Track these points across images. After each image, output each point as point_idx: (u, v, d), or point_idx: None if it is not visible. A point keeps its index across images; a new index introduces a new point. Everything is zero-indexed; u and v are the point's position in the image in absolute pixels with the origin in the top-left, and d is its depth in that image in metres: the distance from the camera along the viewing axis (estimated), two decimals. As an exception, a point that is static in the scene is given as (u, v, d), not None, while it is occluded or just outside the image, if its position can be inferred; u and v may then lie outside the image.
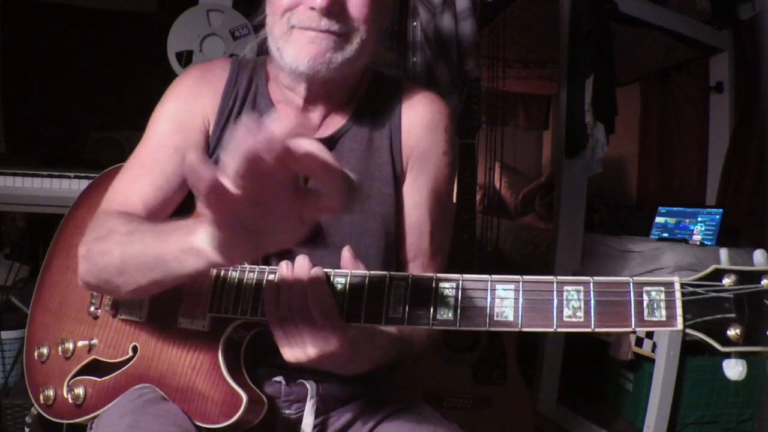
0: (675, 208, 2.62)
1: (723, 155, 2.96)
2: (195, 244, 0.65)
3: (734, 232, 2.51)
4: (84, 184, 1.68)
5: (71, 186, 1.72)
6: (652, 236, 2.60)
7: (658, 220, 2.64)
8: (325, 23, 0.82)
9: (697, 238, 2.45)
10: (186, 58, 1.81)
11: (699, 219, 2.49)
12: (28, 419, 1.00)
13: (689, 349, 2.06)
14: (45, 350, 0.94)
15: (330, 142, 0.94)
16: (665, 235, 2.57)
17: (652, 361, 2.10)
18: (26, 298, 1.83)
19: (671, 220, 2.60)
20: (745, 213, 2.72)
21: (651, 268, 2.24)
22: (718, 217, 2.44)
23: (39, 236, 2.08)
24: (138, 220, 0.84)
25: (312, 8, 0.81)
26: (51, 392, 0.91)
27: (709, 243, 2.39)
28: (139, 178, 0.91)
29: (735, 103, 2.96)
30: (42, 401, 0.92)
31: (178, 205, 0.94)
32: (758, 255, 0.64)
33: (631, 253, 2.35)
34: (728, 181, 2.91)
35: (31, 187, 1.72)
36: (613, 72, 2.44)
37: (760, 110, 2.76)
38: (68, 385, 0.90)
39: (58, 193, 1.72)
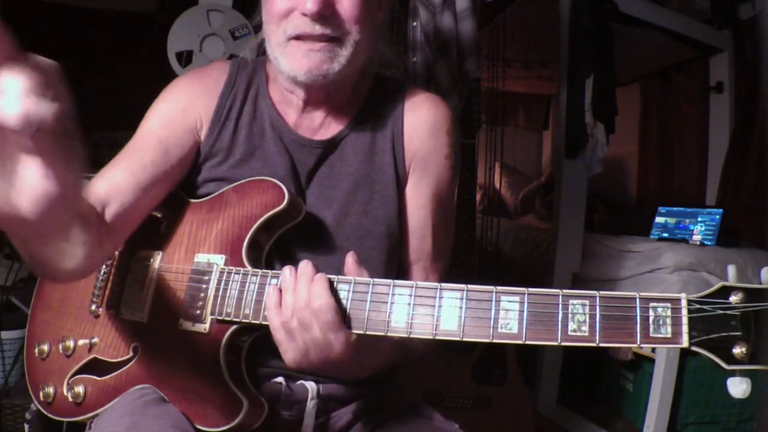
0: (675, 208, 2.62)
1: (723, 155, 2.96)
2: None
3: (734, 232, 2.51)
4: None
5: (71, 186, 1.72)
6: (652, 236, 2.60)
7: (658, 220, 2.64)
8: (318, 28, 0.82)
9: (697, 238, 2.45)
10: (186, 58, 1.81)
11: (699, 219, 2.49)
12: (27, 415, 1.00)
13: (688, 350, 2.06)
14: (46, 347, 0.94)
15: (331, 145, 0.94)
16: (665, 235, 2.57)
17: (652, 361, 2.10)
18: (26, 298, 1.82)
19: (671, 220, 2.60)
20: (745, 213, 2.72)
21: (651, 268, 2.24)
22: (718, 217, 2.44)
23: (39, 236, 2.07)
24: None
25: (305, 14, 0.81)
26: (51, 390, 0.91)
27: (709, 243, 2.39)
28: (116, 164, 0.90)
29: (735, 103, 2.96)
30: (42, 399, 0.92)
31: (157, 201, 0.92)
32: (766, 273, 0.63)
33: (631, 253, 2.35)
34: (728, 181, 2.91)
35: (31, 187, 1.71)
36: (613, 72, 2.44)
37: (760, 110, 2.76)
38: (68, 383, 0.90)
39: (58, 192, 1.71)
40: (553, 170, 3.30)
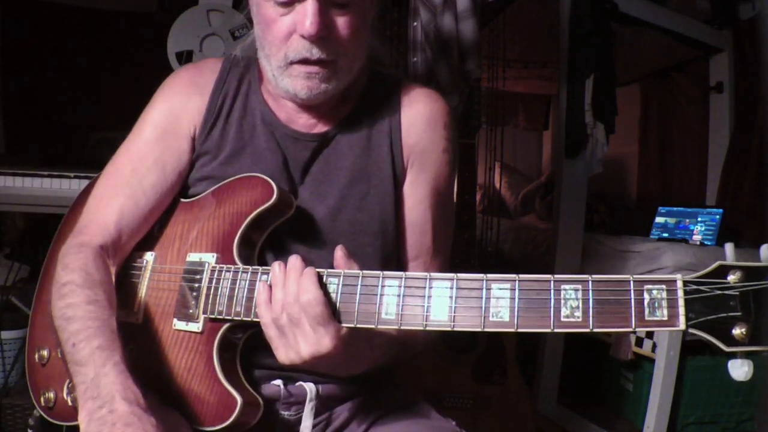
0: (675, 208, 2.62)
1: (723, 155, 2.96)
2: (81, 409, 0.70)
3: (734, 232, 2.51)
4: (84, 184, 1.68)
5: (71, 186, 1.72)
6: (652, 236, 2.60)
7: (658, 220, 2.64)
8: (316, 51, 0.83)
9: (697, 238, 2.45)
10: (186, 58, 1.80)
11: (699, 219, 2.49)
12: (30, 421, 1.00)
13: (689, 349, 2.06)
14: (45, 353, 0.94)
15: (326, 139, 0.94)
16: (665, 235, 2.57)
17: (652, 361, 2.10)
18: (26, 298, 1.83)
19: (671, 220, 2.60)
20: (745, 213, 2.72)
21: (651, 268, 2.23)
22: (718, 217, 2.44)
23: (39, 236, 2.08)
24: (97, 300, 0.81)
25: (303, 36, 0.82)
26: (51, 395, 0.91)
27: (709, 243, 2.38)
28: (118, 192, 0.91)
29: (735, 103, 2.96)
30: (43, 404, 0.92)
31: (157, 218, 0.94)
32: (765, 250, 0.61)
33: (631, 253, 2.35)
34: (728, 181, 2.91)
35: (31, 187, 1.72)
36: (613, 72, 2.44)
37: (760, 110, 2.76)
38: (68, 388, 0.89)
39: (58, 193, 1.71)
40: (553, 170, 3.30)
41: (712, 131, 3.09)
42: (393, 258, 0.97)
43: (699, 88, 3.16)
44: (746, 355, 0.61)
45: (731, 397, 2.18)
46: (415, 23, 1.87)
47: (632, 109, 3.71)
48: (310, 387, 0.89)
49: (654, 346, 2.07)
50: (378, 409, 0.95)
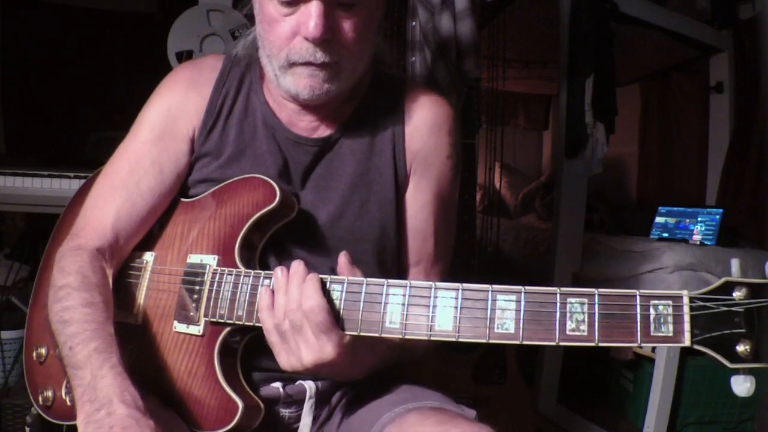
0: (675, 208, 2.62)
1: (723, 155, 2.96)
2: (79, 412, 0.69)
3: (734, 232, 2.51)
4: (84, 184, 1.68)
5: (71, 186, 1.72)
6: (652, 236, 2.60)
7: (658, 219, 2.64)
8: (320, 55, 0.82)
9: (697, 238, 2.45)
10: (186, 58, 1.80)
11: (699, 219, 2.49)
12: (28, 419, 0.99)
13: (689, 349, 2.06)
14: (43, 351, 0.93)
15: (328, 143, 0.93)
16: (665, 234, 2.57)
17: (652, 361, 2.10)
18: (26, 298, 1.82)
19: (671, 220, 2.59)
20: (745, 213, 2.72)
21: (651, 268, 2.23)
22: (718, 217, 2.44)
23: (39, 236, 2.08)
24: (94, 303, 0.80)
25: (307, 38, 0.80)
26: (50, 393, 0.90)
27: (709, 243, 2.38)
28: (115, 194, 0.90)
29: (735, 103, 2.96)
30: (41, 402, 0.91)
31: (155, 220, 0.93)
32: None
33: (631, 252, 2.35)
34: (728, 181, 2.91)
35: (31, 187, 1.72)
36: (613, 72, 2.44)
37: (760, 110, 2.76)
38: (66, 387, 0.89)
39: (58, 193, 1.71)
40: (553, 170, 3.30)
41: (712, 131, 3.09)
42: (393, 264, 0.96)
43: (699, 88, 3.16)
44: (749, 371, 0.61)
45: (731, 397, 2.18)
46: (414, 23, 1.86)
47: (632, 109, 3.71)
48: (309, 385, 0.89)
49: (654, 347, 2.07)
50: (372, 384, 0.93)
